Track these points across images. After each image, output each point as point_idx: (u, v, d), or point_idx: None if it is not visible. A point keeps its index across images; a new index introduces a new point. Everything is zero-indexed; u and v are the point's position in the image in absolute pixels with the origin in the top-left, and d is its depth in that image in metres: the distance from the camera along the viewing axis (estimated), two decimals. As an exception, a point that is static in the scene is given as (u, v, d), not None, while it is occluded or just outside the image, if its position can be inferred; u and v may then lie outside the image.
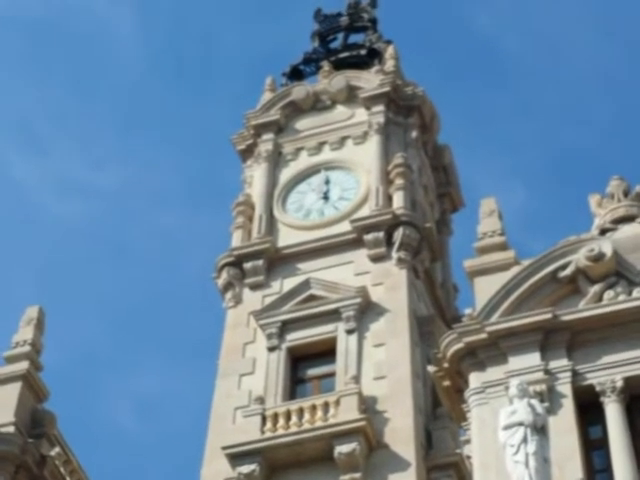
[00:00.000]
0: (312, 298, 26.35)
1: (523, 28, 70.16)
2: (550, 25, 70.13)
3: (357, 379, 24.25)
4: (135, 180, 69.65)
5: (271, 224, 28.89)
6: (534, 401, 18.82)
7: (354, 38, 36.19)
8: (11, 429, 22.61)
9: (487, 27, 70.16)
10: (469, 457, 20.58)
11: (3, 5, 72.30)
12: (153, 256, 66.11)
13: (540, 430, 18.40)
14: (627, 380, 19.46)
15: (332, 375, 24.96)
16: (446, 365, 20.80)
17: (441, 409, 24.00)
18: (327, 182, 29.78)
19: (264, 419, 23.94)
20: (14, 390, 23.51)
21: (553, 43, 69.52)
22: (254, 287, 27.42)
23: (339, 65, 33.59)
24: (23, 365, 23.90)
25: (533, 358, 20.02)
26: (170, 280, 63.41)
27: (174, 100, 70.67)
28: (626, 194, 22.04)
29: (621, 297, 20.41)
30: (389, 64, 32.59)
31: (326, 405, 23.83)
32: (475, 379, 20.29)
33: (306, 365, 25.62)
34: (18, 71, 71.31)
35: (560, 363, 19.93)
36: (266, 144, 31.00)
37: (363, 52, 34.72)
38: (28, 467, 22.31)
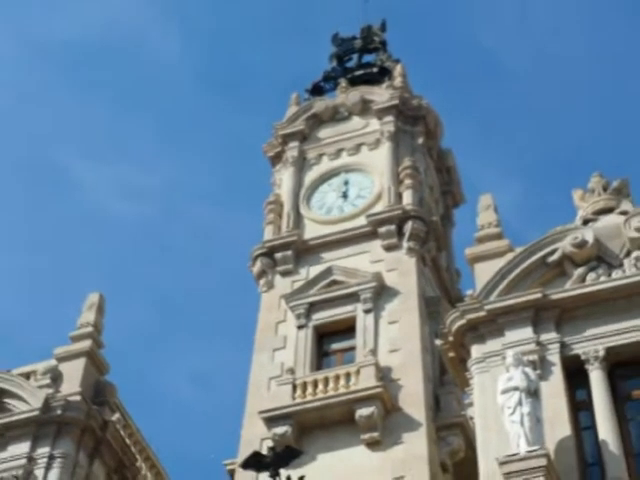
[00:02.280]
0: (334, 283, 26.36)
1: (519, 45, 70.24)
2: (543, 42, 70.00)
3: (374, 352, 24.28)
4: (181, 183, 70.05)
5: (298, 220, 28.90)
6: (528, 369, 18.79)
7: (367, 58, 36.17)
8: (78, 398, 22.79)
9: (486, 43, 70.21)
10: (472, 418, 20.63)
11: (65, 27, 72.27)
12: (198, 249, 66.59)
13: (533, 394, 18.36)
14: (608, 350, 19.49)
15: (353, 349, 24.96)
16: (451, 339, 20.86)
17: (447, 377, 24.02)
18: (346, 183, 29.78)
19: (294, 387, 24.01)
20: (79, 365, 23.72)
21: (546, 58, 69.54)
22: (284, 274, 27.47)
23: (354, 82, 33.55)
24: (86, 343, 24.10)
25: (526, 332, 20.04)
26: (213, 270, 63.98)
27: (214, 114, 71.15)
28: (605, 189, 22.03)
29: (602, 278, 20.46)
30: (398, 80, 32.60)
31: (348, 375, 23.85)
32: (476, 350, 20.34)
33: (330, 340, 25.61)
34: (80, 89, 71.65)
35: (550, 336, 19.96)
36: (292, 151, 31.03)
37: (375, 70, 34.69)
38: (92, 430, 22.49)
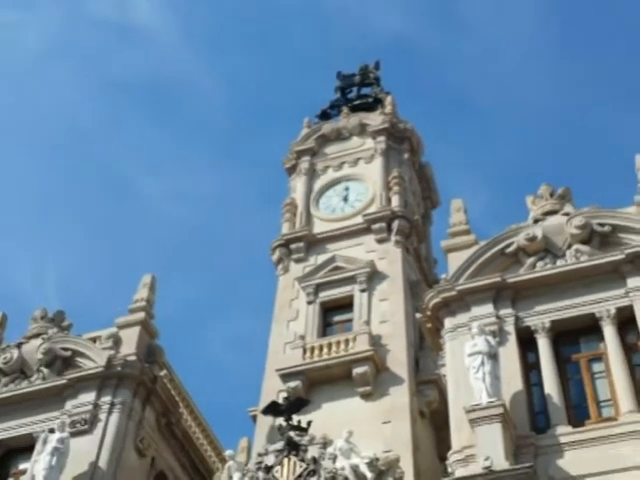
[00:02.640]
0: (337, 268, 26.29)
1: (482, 81, 70.22)
2: (500, 79, 70.16)
3: (368, 323, 24.25)
4: (220, 191, 70.34)
5: (308, 218, 28.83)
6: (489, 337, 18.89)
7: (364, 91, 35.73)
8: (133, 358, 22.96)
9: (457, 80, 70.18)
10: (444, 375, 20.72)
11: (132, 71, 72.78)
12: (231, 241, 66.63)
13: (493, 357, 18.44)
14: (553, 322, 19.64)
15: (350, 320, 24.87)
16: (428, 313, 20.99)
17: (425, 343, 24.00)
18: (346, 189, 29.68)
19: (304, 350, 23.98)
20: (135, 332, 23.88)
21: (504, 91, 69.88)
22: (297, 261, 27.39)
23: (354, 109, 33.36)
24: (140, 315, 24.24)
25: (488, 308, 20.16)
26: (243, 257, 64.16)
27: (247, 136, 71.30)
28: (551, 195, 22.14)
29: (548, 266, 20.61)
30: (388, 108, 32.47)
31: (347, 341, 23.81)
32: (448, 322, 20.47)
33: (333, 313, 25.50)
34: (144, 120, 72.53)
35: (507, 311, 20.08)
36: (305, 164, 30.95)
37: (370, 100, 34.44)
38: (145, 383, 22.64)
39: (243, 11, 72.34)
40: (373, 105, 33.74)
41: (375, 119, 31.68)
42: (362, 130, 31.41)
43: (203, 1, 74.67)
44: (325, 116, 34.17)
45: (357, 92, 35.87)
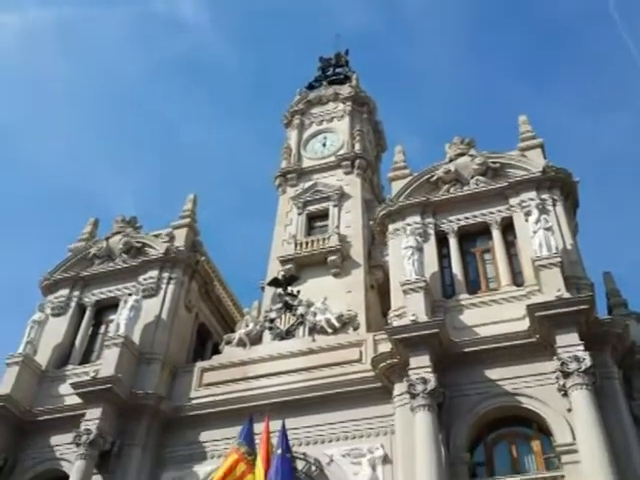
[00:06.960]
0: (317, 191, 26.09)
1: (420, 61, 68.56)
2: (433, 60, 68.57)
3: (338, 227, 24.30)
4: (240, 138, 69.23)
5: (299, 157, 28.42)
6: (417, 237, 19.07)
7: (338, 70, 34.79)
8: (183, 248, 22.97)
9: (402, 60, 68.60)
10: (387, 262, 20.97)
11: (172, 49, 70.06)
12: (248, 172, 66.03)
13: (419, 250, 18.70)
14: (459, 227, 19.89)
15: (326, 225, 24.83)
16: (378, 221, 21.16)
17: (375, 240, 24.06)
18: (325, 138, 29.15)
19: (296, 245, 24.02)
20: (184, 231, 23.97)
21: (435, 69, 68.27)
22: (291, 185, 27.13)
23: (331, 83, 32.63)
24: (187, 220, 24.25)
25: (417, 218, 20.34)
26: (255, 183, 63.70)
27: (259, 100, 69.82)
28: (462, 142, 22.07)
29: (458, 190, 20.62)
30: (354, 82, 31.78)
31: (324, 239, 23.82)
32: (391, 227, 20.66)
33: (315, 220, 25.36)
34: (185, 86, 70.23)
35: (429, 220, 20.27)
36: (297, 120, 30.30)
37: (342, 77, 33.66)
38: (190, 265, 22.82)
39: (257, 9, 70.29)
40: (344, 80, 32.98)
41: (345, 90, 31.00)
42: (336, 97, 30.75)
43: (227, 3, 72.13)
44: (311, 87, 33.35)
45: (333, 71, 34.94)
